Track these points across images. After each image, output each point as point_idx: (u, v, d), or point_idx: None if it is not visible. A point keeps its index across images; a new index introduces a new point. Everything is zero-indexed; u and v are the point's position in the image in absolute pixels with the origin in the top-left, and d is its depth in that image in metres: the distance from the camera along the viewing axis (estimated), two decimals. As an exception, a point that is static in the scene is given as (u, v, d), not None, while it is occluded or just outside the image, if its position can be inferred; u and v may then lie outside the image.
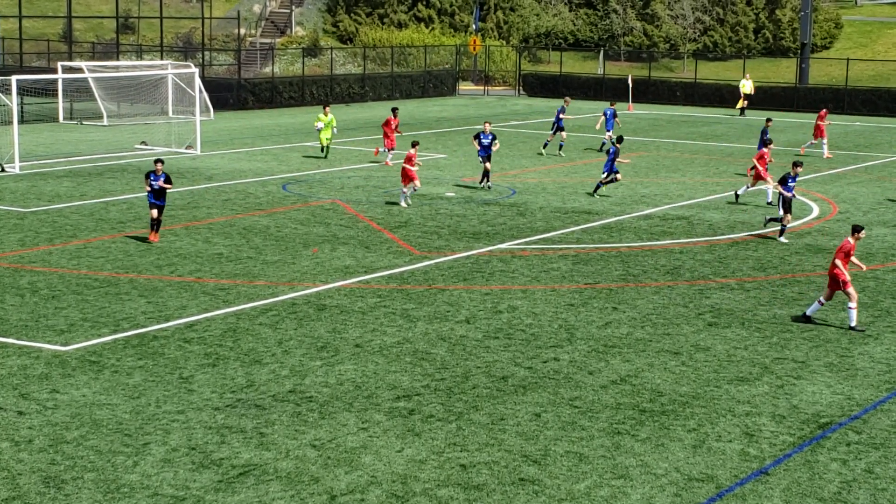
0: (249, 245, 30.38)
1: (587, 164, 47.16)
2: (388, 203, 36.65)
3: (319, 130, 46.98)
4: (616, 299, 25.47)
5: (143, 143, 50.72)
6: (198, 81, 55.31)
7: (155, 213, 30.19)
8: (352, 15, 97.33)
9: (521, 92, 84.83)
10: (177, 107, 61.32)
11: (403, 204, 35.84)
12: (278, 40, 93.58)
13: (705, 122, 66.50)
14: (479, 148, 39.79)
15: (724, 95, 76.92)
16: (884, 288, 26.87)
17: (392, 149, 45.83)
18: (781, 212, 31.79)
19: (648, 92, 78.13)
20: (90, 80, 60.50)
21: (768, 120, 46.21)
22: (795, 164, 32.24)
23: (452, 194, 38.86)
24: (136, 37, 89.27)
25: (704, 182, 42.71)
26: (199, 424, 17.58)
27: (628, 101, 75.06)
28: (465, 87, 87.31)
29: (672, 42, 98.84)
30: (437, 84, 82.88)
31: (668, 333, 22.88)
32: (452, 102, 77.84)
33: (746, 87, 70.27)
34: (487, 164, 39.56)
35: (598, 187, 38.96)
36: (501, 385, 19.65)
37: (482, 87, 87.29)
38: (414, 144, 36.55)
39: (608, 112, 50.82)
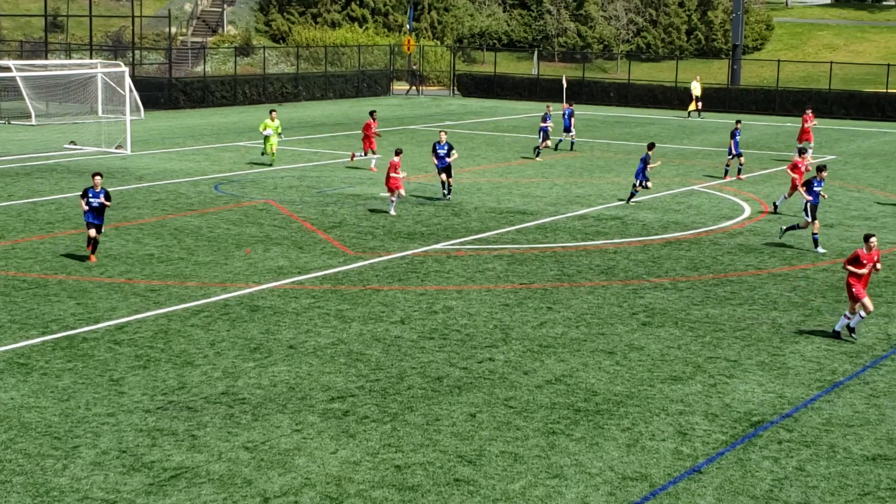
0: (181, 246, 30.09)
1: (521, 165, 47.25)
2: (336, 203, 36.50)
3: (267, 137, 44.86)
4: (551, 299, 25.50)
5: (73, 142, 50.13)
6: (128, 80, 54.75)
7: (93, 232, 27.68)
8: (284, 14, 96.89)
9: (456, 92, 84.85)
10: (106, 106, 60.68)
11: (392, 212, 34.88)
12: (210, 39, 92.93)
13: (639, 123, 66.91)
14: (436, 161, 37.77)
15: (657, 96, 77.44)
16: (814, 287, 27.13)
17: (374, 151, 44.73)
18: (809, 218, 30.74)
19: (582, 93, 78.45)
20: (18, 79, 59.71)
21: (738, 122, 45.98)
22: (820, 169, 31.24)
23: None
24: (65, 35, 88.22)
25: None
26: (129, 427, 17.35)
27: (563, 102, 75.30)
28: (398, 86, 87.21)
29: (605, 43, 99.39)
30: (371, 84, 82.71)
31: (603, 333, 22.94)
32: (386, 102, 77.71)
33: (696, 89, 70.27)
34: (443, 176, 37.64)
35: (632, 195, 37.93)
36: (436, 385, 19.58)
37: (416, 88, 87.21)
38: (398, 153, 35.40)
39: (566, 112, 51.81)
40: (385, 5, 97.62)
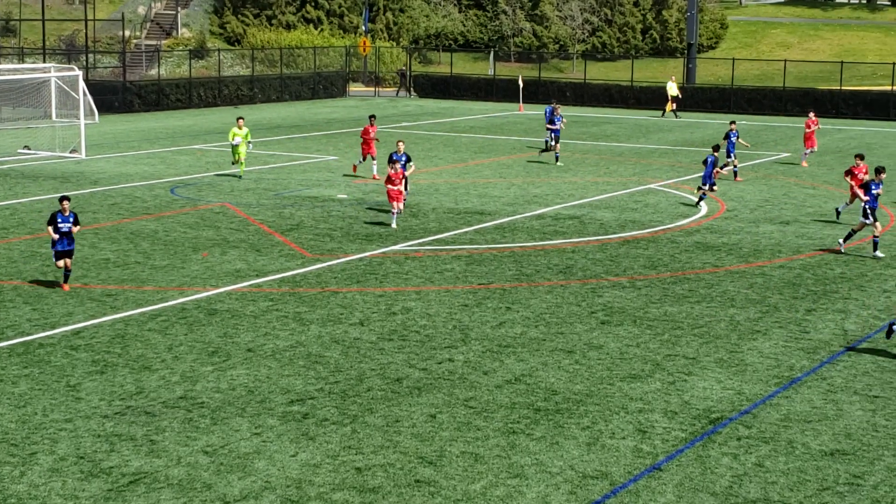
0: (137, 250, 29.90)
1: (479, 165, 47.27)
2: (288, 208, 36.35)
3: (236, 146, 41.99)
4: (510, 299, 25.52)
5: (26, 147, 49.73)
6: (81, 84, 54.37)
7: (63, 262, 25.37)
8: (239, 16, 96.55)
9: (412, 93, 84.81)
10: (60, 110, 60.22)
11: (393, 225, 32.96)
12: (164, 42, 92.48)
13: (595, 122, 67.12)
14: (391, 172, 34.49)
15: (613, 95, 77.72)
16: (771, 284, 27.29)
17: (374, 157, 42.57)
18: (869, 220, 29.94)
19: (539, 92, 78.64)
20: (-29, 84, 59.12)
21: (732, 122, 45.62)
22: (879, 171, 30.52)
23: (345, 196, 38.68)
24: (17, 39, 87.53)
25: (595, 181, 43.06)
26: (87, 433, 17.21)
27: (519, 102, 75.48)
28: (355, 88, 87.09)
29: (561, 43, 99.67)
30: (327, 86, 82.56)
31: (562, 332, 22.97)
32: (343, 104, 77.58)
33: (673, 89, 69.64)
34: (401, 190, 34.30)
35: (700, 199, 37.30)
36: (396, 387, 19.55)
37: (372, 89, 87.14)
38: (396, 161, 33.42)
39: (548, 110, 49.98)
40: (340, 7, 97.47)
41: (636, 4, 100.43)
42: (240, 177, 41.86)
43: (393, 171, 32.79)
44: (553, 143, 48.10)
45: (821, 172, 46.56)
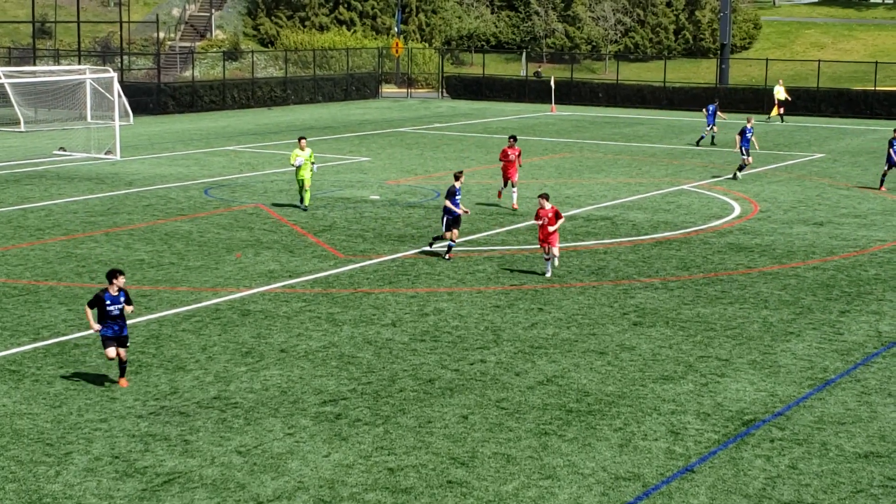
0: (171, 251, 30.06)
1: (511, 166, 47.23)
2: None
3: (298, 168, 35.81)
4: (542, 300, 25.51)
5: (62, 148, 50.06)
6: (116, 86, 54.70)
7: (116, 352, 19.54)
8: (272, 18, 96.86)
9: (444, 94, 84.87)
10: (95, 112, 60.59)
11: (548, 274, 27.51)
12: (198, 44, 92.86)
13: (627, 123, 66.97)
14: (450, 205, 29.16)
15: (645, 96, 77.53)
16: (805, 285, 27.18)
17: (514, 184, 36.63)
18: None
19: (571, 93, 78.54)
20: (7, 86, 59.59)
21: (748, 119, 45.55)
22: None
23: (377, 197, 38.76)
24: (53, 42, 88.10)
25: (627, 183, 42.98)
26: (122, 433, 17.33)
27: (551, 103, 75.41)
28: (387, 89, 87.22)
29: (593, 44, 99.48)
30: (360, 87, 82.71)
31: (594, 333, 22.96)
32: (375, 105, 77.71)
33: (780, 93, 67.17)
34: (451, 233, 29.33)
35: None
36: (428, 388, 19.59)
37: (405, 90, 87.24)
38: (544, 196, 27.31)
39: (710, 108, 54.53)
40: (373, 8, 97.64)
41: (669, 5, 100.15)
42: (305, 208, 35.87)
43: (540, 206, 27.24)
44: (744, 157, 43.95)
45: (855, 174, 46.30)
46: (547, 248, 27.29)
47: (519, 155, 36.98)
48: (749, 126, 44.51)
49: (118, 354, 19.51)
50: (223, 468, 16.09)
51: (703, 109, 54.39)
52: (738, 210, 37.09)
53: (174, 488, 15.41)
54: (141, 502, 14.97)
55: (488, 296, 25.87)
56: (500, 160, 37.49)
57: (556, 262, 27.70)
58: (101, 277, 26.99)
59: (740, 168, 44.26)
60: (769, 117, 68.33)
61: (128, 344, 19.70)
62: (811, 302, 25.67)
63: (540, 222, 27.25)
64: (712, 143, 54.48)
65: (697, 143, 55.54)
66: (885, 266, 29.34)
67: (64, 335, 22.35)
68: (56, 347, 21.59)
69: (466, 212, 30.00)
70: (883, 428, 18.02)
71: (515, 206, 36.81)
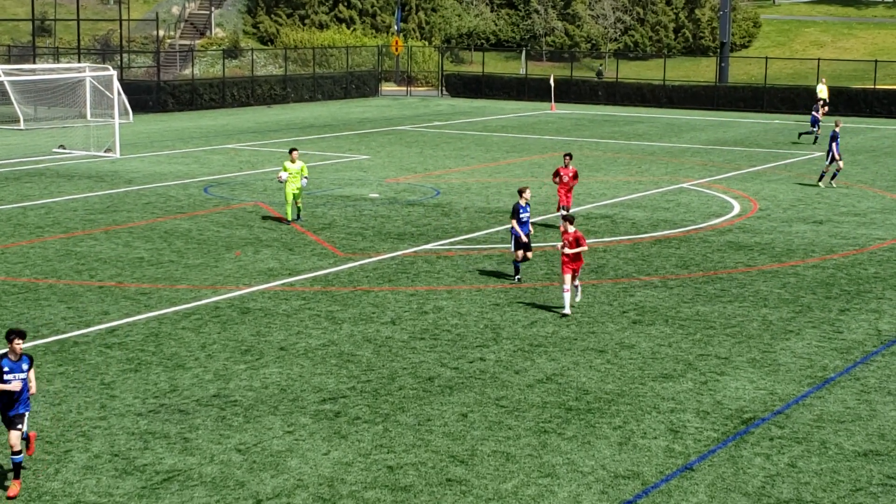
0: (171, 249, 30.06)
1: (511, 164, 47.27)
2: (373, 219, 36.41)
3: (284, 182, 33.38)
4: (541, 298, 25.51)
5: (62, 146, 50.06)
6: (116, 84, 54.67)
7: (16, 436, 15.05)
8: (272, 16, 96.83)
9: (444, 92, 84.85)
10: (95, 110, 60.58)
11: (567, 310, 24.13)
12: (198, 42, 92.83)
13: (627, 122, 66.97)
14: (517, 226, 26.68)
15: (644, 95, 77.50)
16: (804, 284, 27.18)
17: (566, 208, 32.77)
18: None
19: (570, 92, 78.54)
20: (6, 84, 59.60)
21: (836, 123, 43.18)
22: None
23: (377, 195, 38.76)
24: (52, 39, 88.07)
25: (627, 181, 42.98)
26: (121, 430, 17.33)
27: (551, 102, 75.40)
28: (387, 87, 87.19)
29: (593, 42, 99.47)
30: (360, 85, 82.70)
31: (593, 332, 22.96)
32: (375, 103, 77.70)
33: (823, 91, 66.15)
34: (521, 253, 26.96)
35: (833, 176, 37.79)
36: (428, 386, 19.59)
37: (405, 88, 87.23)
38: (568, 220, 24.19)
39: (816, 107, 56.42)
40: (373, 6, 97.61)
41: (668, 3, 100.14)
42: (289, 221, 33.45)
43: (564, 229, 24.23)
44: (827, 163, 41.91)
45: (854, 172, 46.30)
46: (566, 277, 23.86)
47: (574, 176, 32.88)
48: (837, 130, 42.10)
49: (18, 439, 14.99)
50: (222, 466, 16.10)
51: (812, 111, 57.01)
52: (737, 208, 37.09)
53: (173, 486, 15.41)
54: (140, 500, 14.97)
55: (488, 294, 25.87)
56: (554, 181, 33.31)
57: (579, 297, 24.62)
58: (101, 275, 27.00)
59: (833, 176, 42.03)
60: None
61: (22, 428, 15.08)
62: (811, 300, 25.67)
63: (565, 252, 23.85)
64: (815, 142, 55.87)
65: (800, 136, 57.59)
66: (884, 264, 29.34)
67: (63, 333, 22.36)
68: (56, 345, 21.59)
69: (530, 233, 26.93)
70: (882, 426, 18.02)
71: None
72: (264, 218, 34.35)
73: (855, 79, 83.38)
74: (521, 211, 26.52)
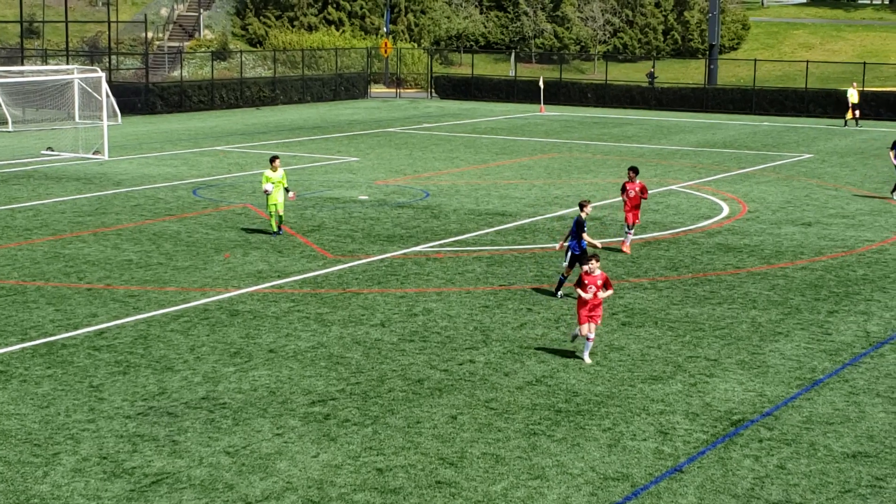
0: (160, 251, 30.01)
1: (500, 166, 47.28)
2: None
3: (268, 194, 31.94)
4: (531, 300, 25.51)
5: (50, 148, 49.96)
6: (104, 86, 54.57)
7: None
8: (261, 18, 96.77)
9: (433, 94, 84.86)
10: (83, 112, 60.47)
11: (587, 359, 21.07)
12: (187, 44, 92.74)
13: (616, 124, 67.03)
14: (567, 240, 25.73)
15: (634, 96, 77.59)
16: (793, 286, 27.22)
17: (630, 226, 30.47)
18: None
19: (560, 94, 78.59)
20: (-6, 85, 59.46)
21: None
22: None
23: (366, 197, 38.74)
24: (40, 41, 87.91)
25: (616, 183, 42.99)
26: (110, 433, 17.29)
27: (540, 103, 75.44)
28: (376, 89, 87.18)
29: (582, 44, 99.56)
30: (349, 87, 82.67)
31: (583, 333, 22.93)
32: (364, 105, 77.67)
33: (854, 96, 65.67)
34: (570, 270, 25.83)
35: None
36: (417, 388, 19.57)
37: (394, 90, 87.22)
38: (594, 258, 21.09)
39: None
40: (361, 8, 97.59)
41: (657, 5, 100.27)
42: (275, 232, 32.24)
43: (587, 272, 20.90)
44: None
45: (843, 174, 46.40)
46: (587, 325, 20.92)
47: (643, 191, 30.37)
48: None
49: None
50: (211, 469, 16.06)
51: None
52: (726, 210, 37.14)
53: (162, 489, 15.37)
54: (129, 503, 14.93)
55: (477, 296, 25.86)
56: (622, 198, 30.56)
57: (591, 346, 21.24)
58: (89, 277, 26.95)
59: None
60: (846, 121, 66.85)
61: None
62: (799, 302, 25.71)
63: (586, 295, 20.77)
64: None
65: None
66: (873, 266, 29.40)
67: (52, 335, 22.30)
68: (44, 348, 21.53)
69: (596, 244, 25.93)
70: (871, 428, 18.04)
71: (627, 249, 30.33)
72: (253, 220, 34.31)
73: (843, 81, 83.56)
74: (584, 226, 25.25)
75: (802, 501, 15.32)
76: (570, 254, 25.57)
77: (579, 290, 20.80)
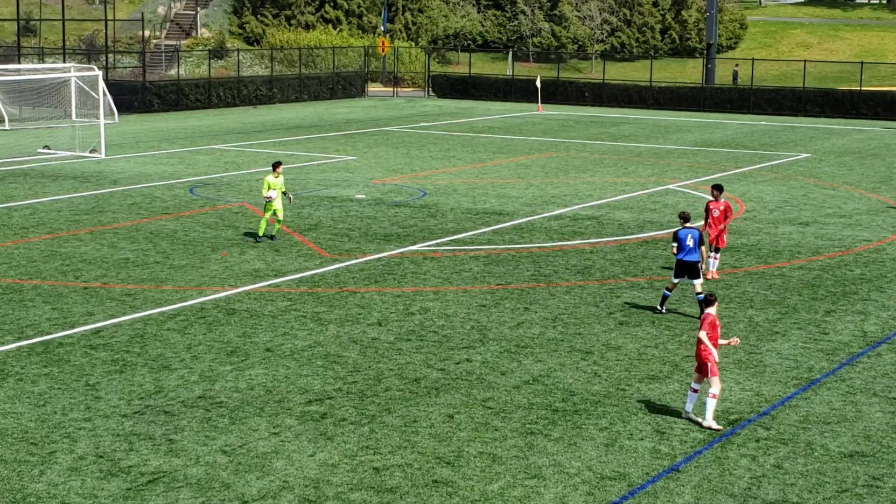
0: (156, 249, 29.98)
1: (497, 165, 47.27)
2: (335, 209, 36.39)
3: (270, 201, 30.82)
4: (528, 300, 25.50)
5: (47, 147, 49.91)
6: (101, 84, 54.48)
7: None
8: (258, 16, 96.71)
9: (431, 93, 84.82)
10: (80, 110, 60.42)
11: (695, 415, 18.18)
12: (184, 42, 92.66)
13: (613, 123, 67.02)
14: (676, 252, 24.21)
15: (631, 96, 77.57)
16: (790, 285, 27.21)
17: (717, 249, 27.88)
18: None
19: (557, 93, 78.56)
20: (-9, 84, 59.39)
21: None
22: None
23: (363, 196, 38.72)
24: (37, 39, 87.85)
25: (614, 182, 43.00)
26: (106, 432, 17.27)
27: (537, 103, 75.41)
28: (374, 88, 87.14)
29: (580, 43, 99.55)
30: (346, 86, 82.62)
31: (580, 333, 22.95)
32: (361, 104, 77.64)
33: None
34: (677, 281, 24.56)
35: None
36: (414, 387, 19.56)
37: (391, 89, 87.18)
38: (712, 302, 18.21)
39: None
40: (359, 7, 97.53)
41: (655, 4, 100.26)
42: (273, 237, 31.37)
43: (712, 317, 18.06)
44: None
45: (841, 173, 46.41)
46: (700, 377, 18.16)
47: (727, 211, 27.68)
48: None
49: None
50: (208, 467, 16.05)
51: None
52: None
53: (159, 487, 15.35)
54: (125, 502, 14.92)
55: (474, 295, 25.85)
56: (707, 220, 27.59)
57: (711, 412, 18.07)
58: (86, 276, 26.94)
59: None
60: None
61: None
62: (796, 302, 25.70)
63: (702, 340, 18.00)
64: None
65: None
66: (870, 266, 29.40)
67: (48, 334, 22.27)
68: (40, 346, 21.51)
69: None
70: (868, 427, 18.04)
71: (714, 275, 27.64)
72: (250, 219, 34.28)
73: (841, 80, 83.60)
74: (681, 239, 23.89)
75: (799, 501, 15.31)
76: (679, 265, 23.98)
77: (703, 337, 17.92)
